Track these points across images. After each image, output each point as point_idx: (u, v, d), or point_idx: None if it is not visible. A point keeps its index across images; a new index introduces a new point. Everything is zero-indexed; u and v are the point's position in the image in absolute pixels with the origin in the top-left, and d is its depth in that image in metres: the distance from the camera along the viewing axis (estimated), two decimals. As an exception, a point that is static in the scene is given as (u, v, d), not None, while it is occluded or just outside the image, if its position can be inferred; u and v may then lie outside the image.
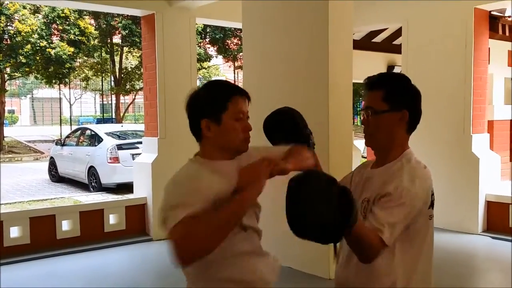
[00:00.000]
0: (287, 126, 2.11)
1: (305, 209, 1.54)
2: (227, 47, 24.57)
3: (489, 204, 6.54)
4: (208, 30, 23.33)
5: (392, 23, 8.23)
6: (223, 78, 37.85)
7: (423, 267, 1.85)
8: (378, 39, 9.82)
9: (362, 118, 1.92)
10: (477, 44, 6.64)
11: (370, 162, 2.02)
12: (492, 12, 6.86)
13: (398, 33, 8.68)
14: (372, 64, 9.61)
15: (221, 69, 40.15)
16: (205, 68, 29.68)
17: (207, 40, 24.69)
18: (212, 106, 1.81)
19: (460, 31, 6.66)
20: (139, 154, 7.95)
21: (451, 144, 6.69)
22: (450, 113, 6.72)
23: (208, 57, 26.87)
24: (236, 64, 28.56)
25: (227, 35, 23.22)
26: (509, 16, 7.16)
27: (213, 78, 36.61)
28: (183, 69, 6.77)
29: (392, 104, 1.84)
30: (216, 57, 28.48)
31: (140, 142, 9.25)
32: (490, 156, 6.79)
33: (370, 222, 1.73)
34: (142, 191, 6.78)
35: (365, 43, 9.56)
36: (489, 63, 7.08)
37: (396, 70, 9.62)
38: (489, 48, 7.02)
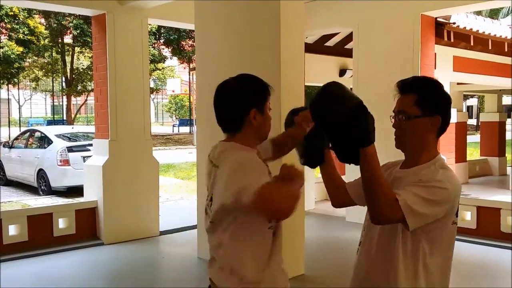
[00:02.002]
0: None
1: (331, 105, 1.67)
2: (182, 48, 24.42)
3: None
4: (162, 31, 23.12)
5: (344, 27, 8.40)
6: (178, 80, 37.57)
7: (447, 272, 1.87)
8: (330, 43, 9.99)
9: (393, 120, 1.91)
10: (423, 49, 6.87)
11: (397, 162, 2.01)
12: (437, 19, 7.12)
13: (349, 37, 8.86)
14: (324, 67, 9.78)
15: (176, 71, 39.84)
16: (159, 69, 29.37)
17: (162, 41, 24.44)
18: (259, 97, 1.95)
19: (407, 36, 6.88)
20: (90, 156, 7.79)
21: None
22: (398, 116, 6.91)
23: (163, 58, 26.61)
24: (191, 65, 28.38)
25: (182, 36, 23.10)
26: (453, 23, 7.43)
27: (168, 80, 36.33)
28: (135, 70, 6.69)
29: (425, 109, 1.83)
30: (171, 58, 28.25)
31: (92, 144, 9.07)
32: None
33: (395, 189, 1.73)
34: (93, 194, 6.65)
35: (317, 47, 9.71)
36: (435, 68, 7.33)
37: (348, 73, 9.82)
38: (435, 54, 7.28)
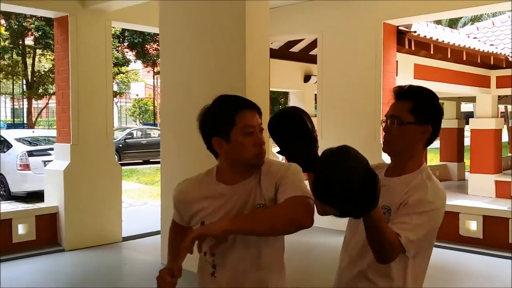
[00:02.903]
0: (296, 128, 2.07)
1: (337, 177, 1.55)
2: (146, 52, 24.19)
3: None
4: (126, 34, 22.86)
5: (308, 34, 8.50)
6: (142, 83, 37.11)
7: (425, 273, 1.95)
8: (295, 49, 10.09)
9: (384, 124, 1.95)
10: (386, 57, 7.03)
11: (380, 166, 2.04)
12: (399, 27, 7.30)
13: (314, 44, 8.97)
14: (289, 73, 9.87)
15: (141, 74, 39.43)
16: (123, 73, 28.99)
17: (125, 44, 24.17)
18: (220, 123, 1.79)
19: (370, 44, 7.02)
20: (51, 161, 7.62)
21: (363, 151, 6.97)
22: (362, 121, 7.04)
23: (127, 62, 26.29)
24: (155, 69, 28.15)
25: (146, 39, 22.88)
26: (414, 32, 7.62)
27: (132, 83, 35.89)
28: (98, 74, 6.58)
29: (418, 117, 1.87)
30: (135, 61, 27.96)
31: (53, 149, 8.87)
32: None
33: (391, 226, 1.75)
34: (54, 199, 6.50)
35: (283, 53, 9.79)
36: (397, 75, 7.50)
37: (312, 79, 9.93)
38: (396, 61, 7.45)
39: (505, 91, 11.94)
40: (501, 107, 19.00)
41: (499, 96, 12.53)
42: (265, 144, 1.84)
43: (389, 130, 1.92)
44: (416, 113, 1.87)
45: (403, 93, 1.94)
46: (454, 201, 9.78)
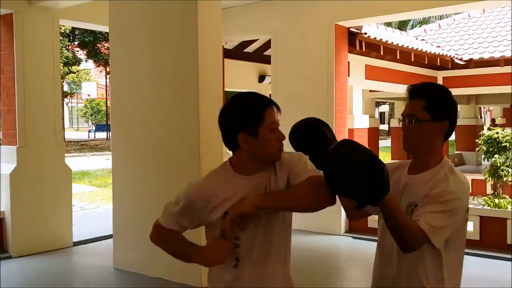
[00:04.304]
0: (316, 138, 2.14)
1: (345, 167, 1.64)
2: (98, 51, 23.66)
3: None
4: (77, 32, 22.28)
5: (262, 34, 8.53)
6: (94, 83, 36.31)
7: (460, 268, 1.97)
8: (249, 49, 10.10)
9: (402, 124, 1.98)
10: (337, 57, 7.13)
11: (402, 164, 2.08)
12: (350, 29, 7.42)
13: (268, 44, 9.01)
14: (244, 73, 9.87)
15: (92, 74, 38.56)
16: (74, 73, 28.26)
17: (76, 43, 23.57)
18: (249, 119, 1.85)
19: (323, 45, 7.11)
20: (-4, 164, 7.32)
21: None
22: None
23: (77, 61, 25.65)
24: (107, 69, 27.57)
25: (97, 38, 22.37)
26: (365, 33, 7.77)
27: (83, 83, 35.04)
28: (45, 73, 6.37)
29: (433, 114, 1.91)
30: (86, 61, 27.30)
31: (-2, 151, 8.53)
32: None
33: (414, 215, 1.80)
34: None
35: (237, 53, 9.78)
36: (348, 76, 7.63)
37: (267, 79, 9.97)
38: (348, 62, 7.58)
39: (451, 91, 12.35)
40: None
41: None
42: (284, 140, 1.94)
43: (407, 129, 1.96)
44: (431, 111, 1.92)
45: (416, 91, 1.97)
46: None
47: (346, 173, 1.64)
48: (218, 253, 1.83)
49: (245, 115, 1.86)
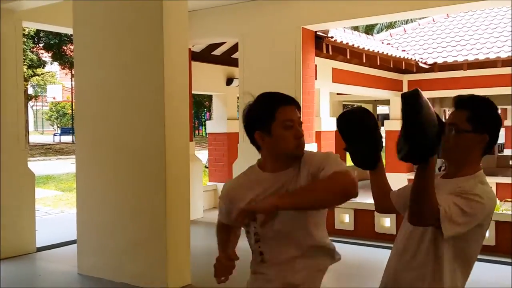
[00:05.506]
0: (363, 127, 2.17)
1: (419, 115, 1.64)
2: (63, 53, 23.22)
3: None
4: (42, 34, 21.84)
5: (229, 37, 8.52)
6: (59, 86, 35.58)
7: (466, 278, 1.98)
8: (217, 52, 10.07)
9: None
10: (305, 61, 7.18)
11: (438, 174, 2.07)
12: (317, 33, 7.49)
13: (236, 47, 9.01)
14: (212, 76, 9.84)
15: (58, 77, 37.81)
16: (38, 75, 27.66)
17: (41, 45, 23.09)
18: (261, 118, 1.96)
19: (290, 48, 7.14)
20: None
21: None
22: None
23: (42, 63, 25.12)
24: (73, 71, 27.07)
25: (63, 41, 21.96)
26: (332, 37, 7.85)
27: (48, 86, 34.34)
28: (7, 76, 6.19)
29: (475, 126, 1.93)
30: (52, 63, 26.77)
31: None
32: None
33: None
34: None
35: (205, 56, 9.74)
36: (316, 79, 7.69)
37: (235, 82, 9.97)
38: (315, 65, 7.64)
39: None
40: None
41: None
42: (303, 136, 2.00)
43: (446, 138, 1.94)
44: (473, 122, 1.94)
45: (462, 102, 2.00)
46: (371, 199, 10.17)
47: (424, 117, 1.63)
48: (219, 270, 1.98)
49: (258, 114, 1.98)
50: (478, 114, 1.96)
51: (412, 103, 1.65)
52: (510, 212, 7.30)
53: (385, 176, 2.31)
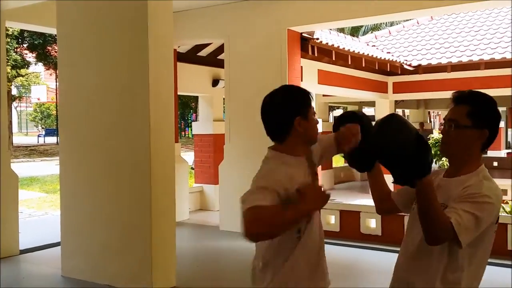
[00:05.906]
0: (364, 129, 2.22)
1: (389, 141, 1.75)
2: (48, 53, 23.00)
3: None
4: (26, 35, 21.62)
5: (215, 38, 8.51)
6: (44, 87, 35.26)
7: (481, 275, 1.98)
8: (203, 53, 10.05)
9: (442, 128, 2.00)
10: (290, 62, 7.20)
11: (439, 171, 2.09)
12: (303, 34, 7.51)
13: (222, 48, 9.00)
14: (197, 77, 9.81)
15: (42, 77, 37.43)
16: (22, 76, 27.35)
17: (25, 45, 22.86)
18: (302, 105, 2.06)
19: (275, 49, 7.16)
20: None
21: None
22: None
23: (26, 64, 24.86)
24: (57, 72, 26.82)
25: (47, 41, 21.74)
26: (317, 39, 7.88)
27: (33, 87, 33.96)
28: (-11, 76, 6.13)
29: (475, 121, 1.93)
30: (36, 64, 26.49)
31: None
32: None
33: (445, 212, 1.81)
34: None
35: (190, 57, 9.71)
36: (301, 80, 7.71)
37: (221, 84, 9.96)
38: (301, 67, 7.66)
39: (401, 96, 12.74)
40: (399, 111, 20.20)
41: (396, 101, 13.32)
42: None
43: (446, 133, 1.99)
44: (473, 117, 1.94)
45: (461, 98, 2.00)
46: (356, 200, 10.24)
47: (395, 144, 1.70)
48: (321, 192, 1.92)
49: (298, 100, 2.07)
50: (478, 109, 1.96)
51: (385, 131, 1.75)
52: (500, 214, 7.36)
53: (383, 178, 2.31)
